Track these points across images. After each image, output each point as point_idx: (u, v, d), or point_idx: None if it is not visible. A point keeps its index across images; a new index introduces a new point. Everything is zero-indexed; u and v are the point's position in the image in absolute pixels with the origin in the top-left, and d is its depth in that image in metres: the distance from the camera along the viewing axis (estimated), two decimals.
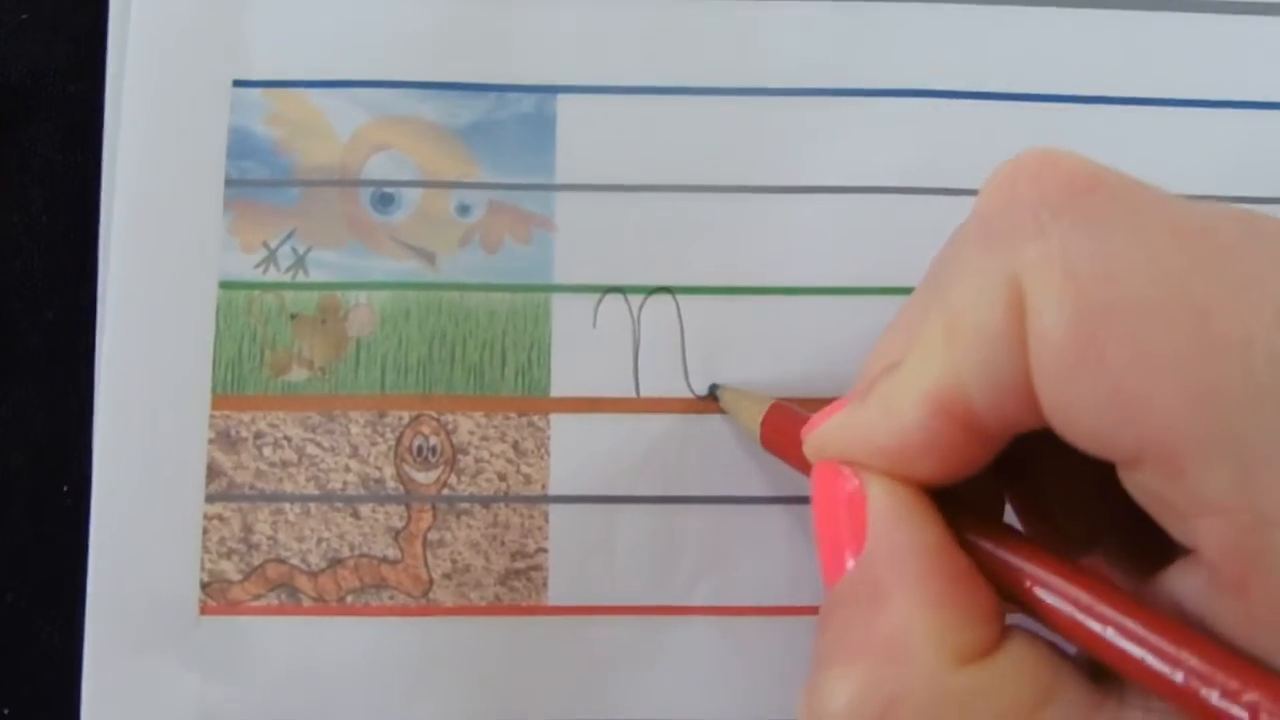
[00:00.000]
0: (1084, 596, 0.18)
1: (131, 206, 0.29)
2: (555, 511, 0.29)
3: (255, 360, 0.29)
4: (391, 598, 0.28)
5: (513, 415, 0.29)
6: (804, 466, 0.22)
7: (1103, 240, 0.17)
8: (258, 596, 0.28)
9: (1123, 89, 0.31)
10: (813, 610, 0.29)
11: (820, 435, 0.21)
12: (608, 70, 0.30)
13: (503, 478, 0.29)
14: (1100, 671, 0.18)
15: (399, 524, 0.29)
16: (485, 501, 0.29)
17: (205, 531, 0.28)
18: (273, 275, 0.29)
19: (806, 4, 0.30)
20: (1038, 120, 0.30)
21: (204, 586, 0.28)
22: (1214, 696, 0.16)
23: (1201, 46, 0.31)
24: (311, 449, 0.29)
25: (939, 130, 0.30)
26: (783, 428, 0.25)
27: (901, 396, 0.19)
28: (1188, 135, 0.30)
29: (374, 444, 0.29)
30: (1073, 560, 0.19)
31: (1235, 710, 0.16)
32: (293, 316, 0.29)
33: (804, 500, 0.29)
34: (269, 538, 0.28)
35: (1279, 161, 0.30)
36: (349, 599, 0.28)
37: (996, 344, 0.18)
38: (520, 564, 0.29)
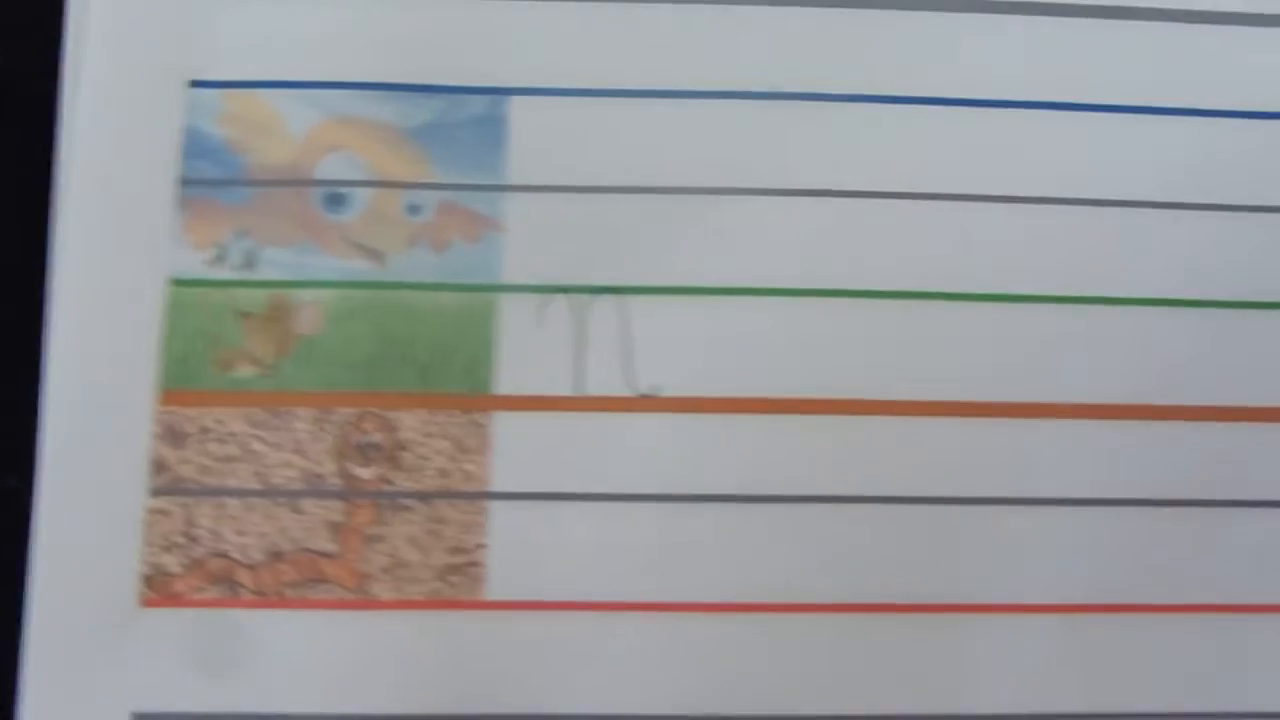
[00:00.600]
0: None
1: (84, 204, 0.29)
2: (496, 508, 0.29)
3: (203, 357, 0.29)
4: (329, 591, 0.29)
5: (456, 413, 0.29)
6: None
7: None
8: (198, 589, 0.28)
9: (1072, 96, 0.31)
10: (754, 607, 0.28)
11: None
12: (560, 73, 0.31)
13: (444, 474, 0.29)
14: None
15: (339, 519, 0.29)
16: (425, 497, 0.29)
17: (148, 525, 0.29)
18: (223, 273, 0.30)
19: (759, 8, 0.31)
20: (967, 124, 0.30)
21: (145, 579, 0.28)
22: None
23: (1148, 54, 0.31)
24: (256, 445, 0.29)
25: (884, 135, 0.30)
26: None
27: None
28: (1133, 142, 0.30)
29: (317, 440, 0.29)
30: None
31: None
32: (242, 314, 0.30)
33: (749, 499, 0.29)
34: (211, 531, 0.29)
35: (1227, 169, 0.30)
36: (287, 592, 0.29)
37: None
38: (459, 559, 0.29)
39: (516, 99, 0.30)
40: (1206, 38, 0.31)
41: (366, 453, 0.29)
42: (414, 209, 0.30)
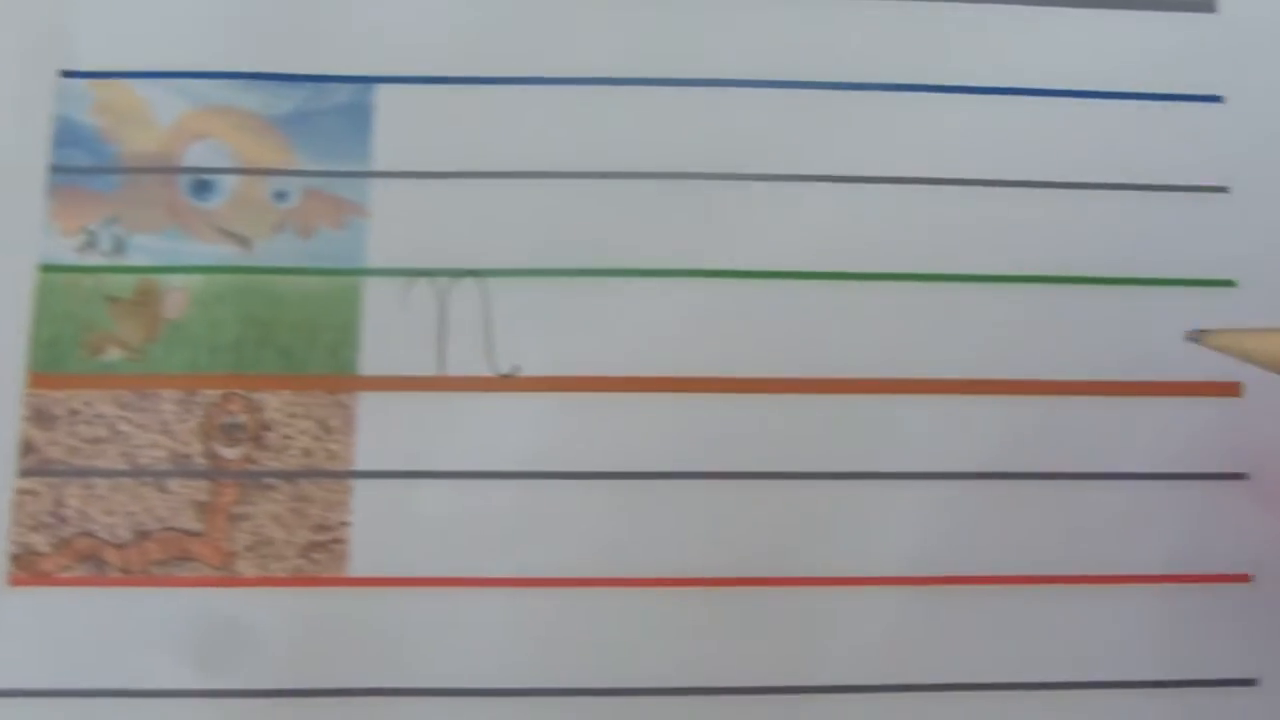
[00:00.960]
0: None
1: None
2: (359, 486, 0.30)
3: (73, 341, 0.30)
4: (195, 569, 0.29)
5: (320, 394, 0.30)
6: None
7: None
8: (66, 568, 0.29)
9: (925, 78, 0.32)
10: (612, 582, 0.29)
11: None
12: (425, 61, 0.31)
13: (308, 454, 0.30)
14: None
15: (204, 498, 0.29)
16: (290, 476, 0.30)
17: (16, 505, 0.29)
18: (93, 259, 0.30)
19: None
20: (834, 105, 0.31)
21: (13, 558, 0.29)
22: None
23: (994, 36, 0.32)
24: (123, 426, 0.30)
25: (744, 119, 0.31)
26: None
27: None
28: (985, 122, 0.31)
29: (183, 421, 0.30)
30: None
31: None
32: (110, 299, 0.30)
33: (606, 476, 0.30)
34: (79, 511, 0.29)
35: (1075, 148, 0.31)
36: (154, 570, 0.29)
37: None
38: (322, 537, 0.29)
39: (382, 87, 0.31)
40: (1047, 18, 0.32)
41: (232, 433, 0.30)
42: (280, 195, 0.31)
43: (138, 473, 0.29)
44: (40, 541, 0.29)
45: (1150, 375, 0.30)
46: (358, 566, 0.29)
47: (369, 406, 0.30)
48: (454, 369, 0.30)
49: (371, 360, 0.30)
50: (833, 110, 0.31)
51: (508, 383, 0.30)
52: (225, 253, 0.30)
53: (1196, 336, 0.27)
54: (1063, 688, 0.29)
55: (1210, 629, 0.30)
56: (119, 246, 0.30)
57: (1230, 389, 0.30)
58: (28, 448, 0.29)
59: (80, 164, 0.31)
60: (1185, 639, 0.30)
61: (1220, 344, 0.27)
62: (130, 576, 0.29)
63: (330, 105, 0.31)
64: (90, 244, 0.30)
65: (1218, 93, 0.32)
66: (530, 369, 0.30)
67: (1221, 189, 0.31)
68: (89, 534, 0.29)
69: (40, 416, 0.30)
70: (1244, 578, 0.30)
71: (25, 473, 0.29)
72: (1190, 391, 0.30)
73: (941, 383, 0.30)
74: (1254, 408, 0.30)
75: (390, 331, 0.30)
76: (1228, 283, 0.31)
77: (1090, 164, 0.31)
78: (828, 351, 0.30)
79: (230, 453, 0.30)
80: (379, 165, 0.31)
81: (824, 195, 0.31)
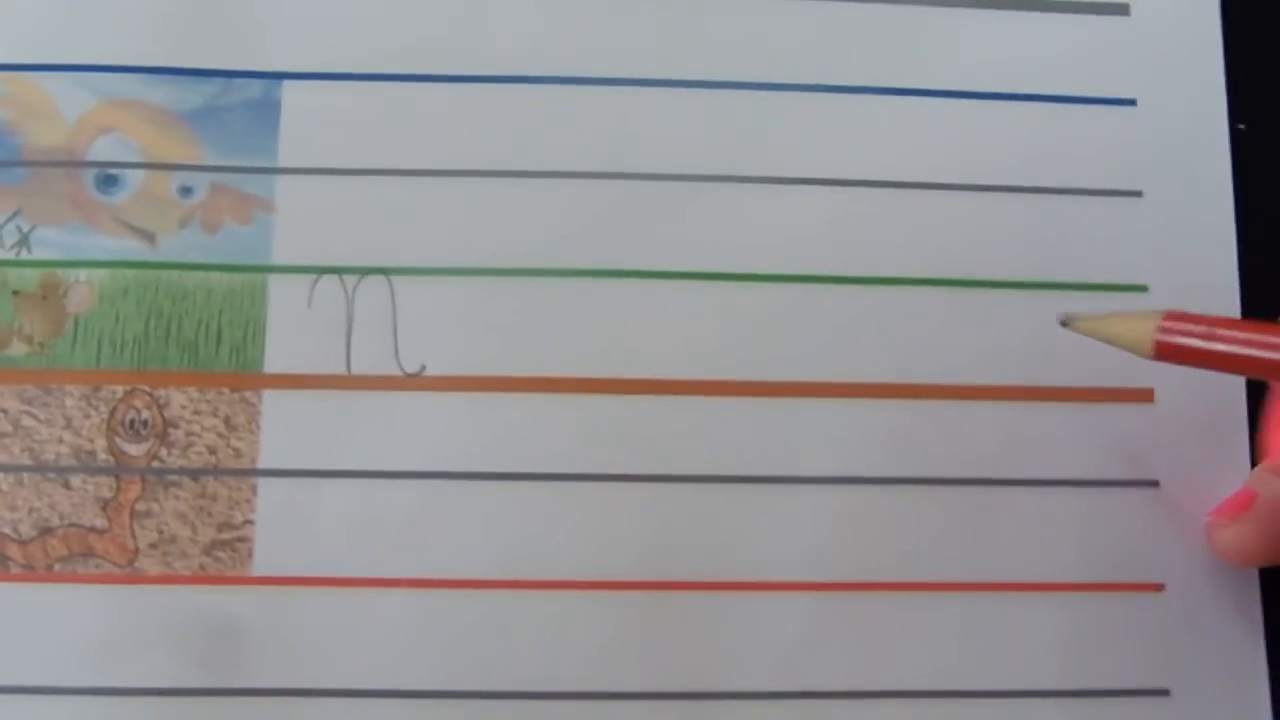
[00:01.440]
0: None
1: None
2: (264, 484, 0.29)
3: None
4: (98, 566, 0.29)
5: (225, 391, 0.30)
6: (1212, 366, 0.26)
7: None
8: None
9: (838, 79, 0.31)
10: (517, 584, 0.29)
11: None
12: (332, 58, 0.31)
13: (213, 451, 0.30)
14: None
15: (108, 494, 0.29)
16: (194, 474, 0.29)
17: None
18: None
19: None
20: (754, 106, 0.31)
21: None
22: None
23: (907, 39, 0.31)
24: (27, 421, 0.30)
25: (647, 118, 0.31)
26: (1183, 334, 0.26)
27: None
28: (898, 125, 0.31)
29: (87, 417, 0.30)
30: None
31: None
32: (14, 293, 0.30)
33: (511, 477, 0.29)
34: None
35: (992, 150, 0.31)
36: (57, 567, 0.29)
37: None
38: (226, 535, 0.29)
39: (289, 83, 0.31)
40: (960, 21, 0.32)
41: (136, 430, 0.30)
42: (186, 190, 0.30)
43: (41, 468, 0.29)
44: None
45: (1062, 381, 0.30)
46: (262, 565, 0.29)
47: (274, 404, 0.30)
48: (360, 367, 0.30)
49: (277, 358, 0.30)
50: (750, 111, 0.31)
51: (414, 381, 0.30)
52: (130, 247, 0.30)
53: (1066, 320, 0.28)
54: (973, 696, 0.29)
55: (1122, 638, 0.30)
56: (23, 240, 0.30)
57: (1143, 395, 0.30)
58: None
59: None
60: (1097, 648, 0.29)
61: (1087, 329, 0.28)
62: (33, 573, 0.29)
63: (238, 100, 0.31)
64: None
65: (1131, 96, 0.31)
66: (436, 368, 0.30)
67: (1135, 193, 0.31)
68: None
69: None
70: (1156, 586, 0.30)
71: None
72: (1102, 398, 0.30)
73: (851, 386, 0.30)
74: (1166, 415, 0.30)
75: (296, 329, 0.30)
76: (1140, 287, 0.31)
77: (1003, 167, 0.31)
78: (736, 353, 0.30)
79: (135, 449, 0.30)
80: (286, 161, 0.30)
81: (736, 197, 0.31)
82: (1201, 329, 0.26)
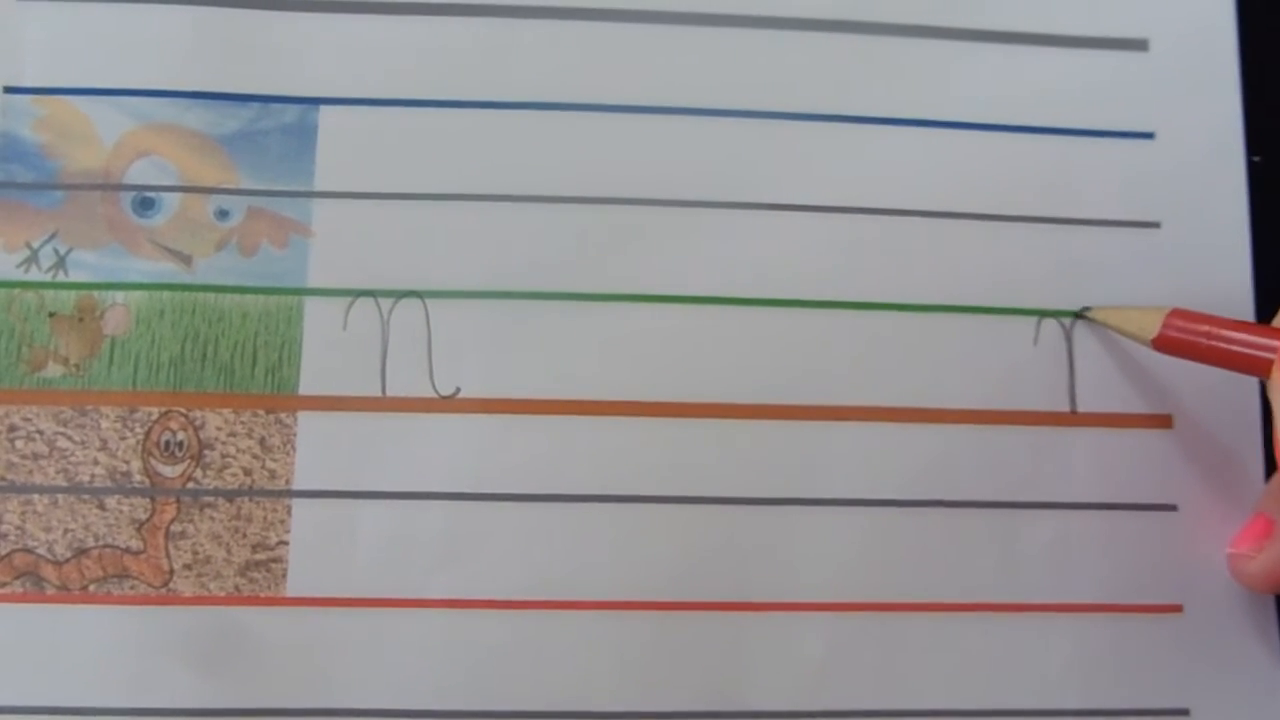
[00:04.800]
0: None
1: None
2: (298, 506, 0.30)
3: (13, 356, 0.30)
4: (133, 587, 0.29)
5: (260, 412, 0.30)
6: (1212, 362, 0.28)
7: None
8: (2, 584, 0.29)
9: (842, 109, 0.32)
10: (547, 604, 0.29)
11: None
12: (368, 83, 0.31)
13: (248, 472, 0.30)
14: None
15: (143, 516, 0.30)
16: (229, 495, 0.30)
17: None
18: (34, 274, 0.30)
19: (545, 22, 0.32)
20: (769, 135, 0.32)
21: None
22: None
23: (930, 70, 0.32)
24: (62, 442, 0.30)
25: (671, 146, 0.32)
26: (1188, 329, 0.28)
27: None
28: (908, 157, 0.32)
29: (123, 438, 0.30)
30: None
31: None
32: (51, 314, 0.30)
33: (542, 498, 0.30)
34: (17, 527, 0.29)
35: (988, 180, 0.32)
36: (91, 588, 0.29)
37: None
38: (261, 556, 0.29)
39: (326, 108, 0.31)
40: (982, 54, 0.32)
41: (172, 451, 0.30)
42: (222, 214, 0.31)
43: (76, 489, 0.30)
44: None
45: (1083, 407, 0.31)
46: (296, 586, 0.29)
47: (309, 426, 0.30)
48: (394, 389, 0.30)
49: (312, 380, 0.30)
50: (768, 140, 0.32)
51: (448, 404, 0.30)
52: (167, 270, 0.30)
53: (1083, 311, 0.31)
54: (996, 715, 0.30)
55: (1142, 659, 0.30)
56: (60, 262, 0.30)
57: (1162, 421, 0.31)
58: None
59: (22, 180, 0.31)
60: (1117, 668, 0.30)
61: (1100, 317, 0.31)
62: (68, 594, 0.29)
63: (275, 125, 0.31)
64: (32, 259, 0.30)
65: (1149, 129, 0.32)
66: (470, 390, 0.30)
67: (1153, 224, 0.32)
68: (27, 550, 0.29)
69: None
70: (1175, 608, 0.30)
71: None
72: (1122, 424, 0.31)
73: (876, 410, 0.31)
74: (1183, 441, 0.31)
75: (332, 351, 0.30)
76: None
77: (1026, 198, 0.32)
78: (765, 378, 0.31)
79: (170, 470, 0.30)
80: (322, 185, 0.31)
81: (760, 223, 0.31)
82: (1203, 328, 0.28)
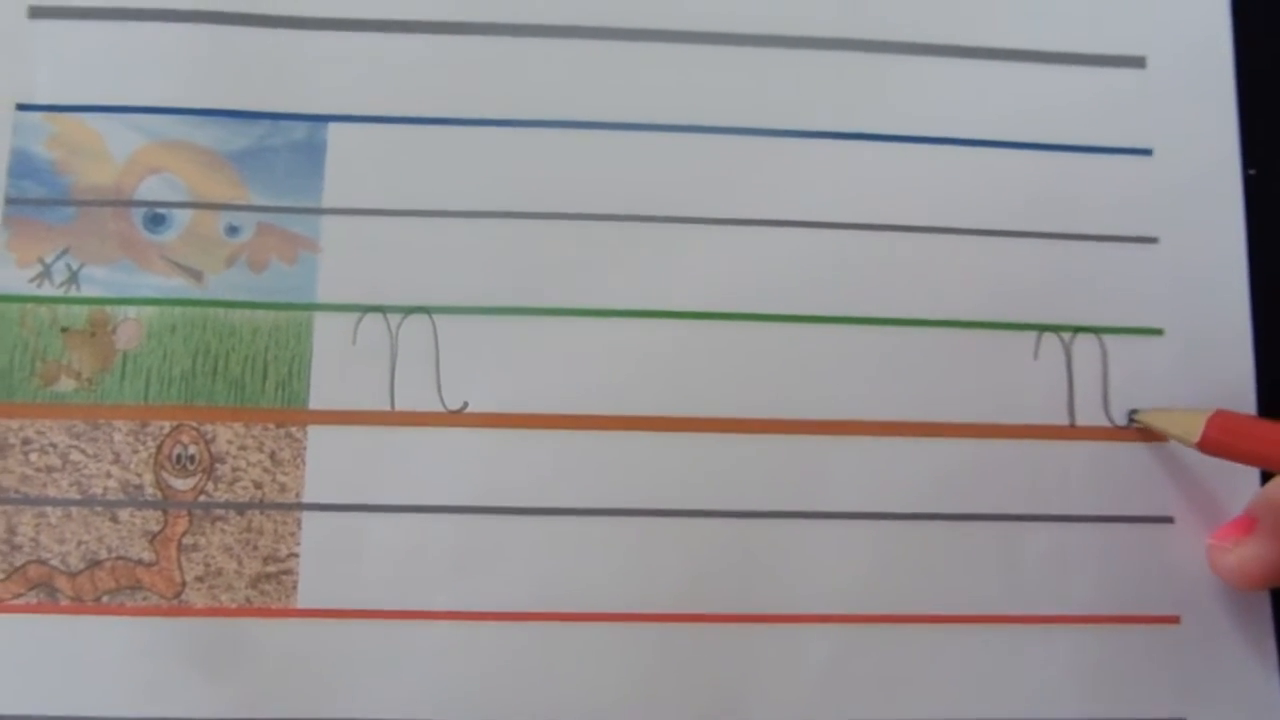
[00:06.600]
0: None
1: None
2: (308, 518, 0.30)
3: (26, 370, 0.30)
4: (145, 599, 0.30)
5: (271, 426, 0.30)
6: (1254, 462, 0.29)
7: None
8: (17, 595, 0.30)
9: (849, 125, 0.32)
10: (554, 616, 0.30)
11: None
12: (376, 100, 0.32)
13: (259, 485, 0.30)
14: None
15: (155, 528, 0.30)
16: (240, 508, 0.30)
17: None
18: (46, 290, 0.31)
19: (551, 41, 0.32)
20: (762, 152, 0.32)
21: None
22: None
23: (929, 87, 0.33)
24: (75, 455, 0.30)
25: (664, 162, 0.32)
26: (1232, 431, 0.29)
27: None
28: (909, 173, 0.32)
29: (135, 452, 0.30)
30: None
31: None
32: (64, 329, 0.31)
33: (551, 512, 0.30)
34: (31, 539, 0.30)
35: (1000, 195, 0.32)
36: (105, 599, 0.30)
37: None
38: (271, 568, 0.30)
39: (334, 125, 0.32)
40: (981, 71, 0.33)
41: (184, 464, 0.30)
42: (232, 230, 0.31)
43: (89, 502, 0.30)
44: None
45: (1082, 421, 0.31)
46: (306, 598, 0.30)
47: (319, 439, 0.30)
48: (403, 403, 0.31)
49: (322, 394, 0.31)
50: (780, 156, 0.32)
51: (456, 418, 0.31)
52: (176, 285, 0.31)
53: (1133, 415, 0.31)
54: None
55: (1140, 669, 0.31)
56: (72, 277, 0.31)
57: (1157, 435, 0.31)
58: None
59: (35, 196, 0.31)
60: (1115, 678, 0.31)
61: (1147, 420, 0.31)
62: (81, 605, 0.30)
63: (284, 142, 0.31)
64: (44, 274, 0.31)
65: (1147, 145, 0.33)
66: (478, 405, 0.31)
67: (1151, 239, 0.32)
68: (41, 562, 0.30)
69: None
70: (1173, 619, 0.31)
71: None
72: (1119, 437, 0.31)
73: (877, 424, 0.31)
74: (1179, 454, 0.31)
75: (341, 365, 0.31)
76: (1155, 330, 0.32)
77: (1025, 213, 0.32)
78: (768, 392, 0.31)
79: (181, 484, 0.30)
80: (331, 202, 0.31)
81: (760, 238, 0.32)
82: (1244, 428, 0.29)
